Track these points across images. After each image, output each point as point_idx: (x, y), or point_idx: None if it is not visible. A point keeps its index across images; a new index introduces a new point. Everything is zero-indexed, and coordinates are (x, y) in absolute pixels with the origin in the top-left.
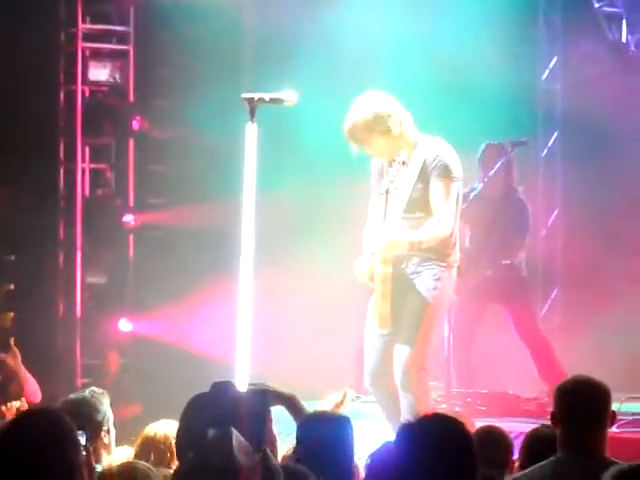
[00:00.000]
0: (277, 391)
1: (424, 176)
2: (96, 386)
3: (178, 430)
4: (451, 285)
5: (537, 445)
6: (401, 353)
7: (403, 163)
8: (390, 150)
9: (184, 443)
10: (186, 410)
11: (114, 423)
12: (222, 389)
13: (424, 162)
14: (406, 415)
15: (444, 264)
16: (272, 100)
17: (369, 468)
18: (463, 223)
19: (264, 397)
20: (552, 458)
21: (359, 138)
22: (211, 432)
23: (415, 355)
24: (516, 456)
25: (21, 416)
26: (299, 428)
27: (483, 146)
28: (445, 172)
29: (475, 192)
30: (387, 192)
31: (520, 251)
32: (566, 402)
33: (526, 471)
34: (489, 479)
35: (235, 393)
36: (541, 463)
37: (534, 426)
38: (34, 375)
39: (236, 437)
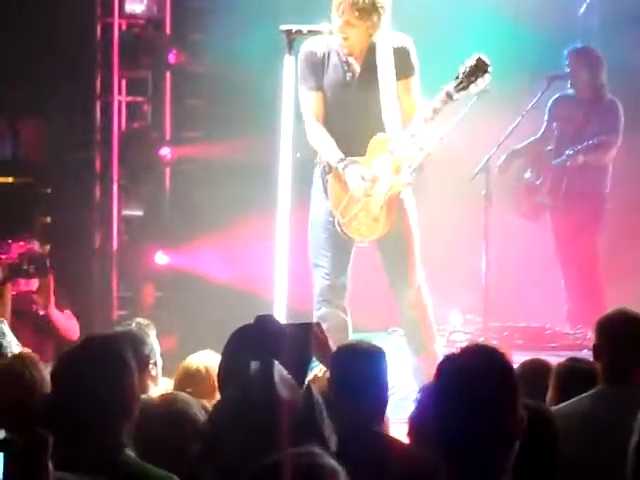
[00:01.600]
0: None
1: (398, 69)
2: (132, 319)
3: (221, 362)
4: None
5: (568, 381)
6: (403, 264)
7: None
8: (363, 40)
9: (227, 375)
10: (229, 342)
11: None
12: (266, 322)
13: (394, 52)
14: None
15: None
16: (310, 32)
17: (417, 402)
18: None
19: (309, 330)
20: (592, 391)
21: (368, 20)
22: (253, 365)
23: (413, 280)
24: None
25: (86, 343)
26: (333, 359)
27: (567, 52)
28: (414, 67)
29: (566, 95)
30: (344, 99)
31: (612, 148)
32: (610, 336)
33: (565, 404)
34: (530, 409)
35: (279, 326)
36: (581, 396)
37: (562, 360)
38: (71, 308)
39: (278, 370)
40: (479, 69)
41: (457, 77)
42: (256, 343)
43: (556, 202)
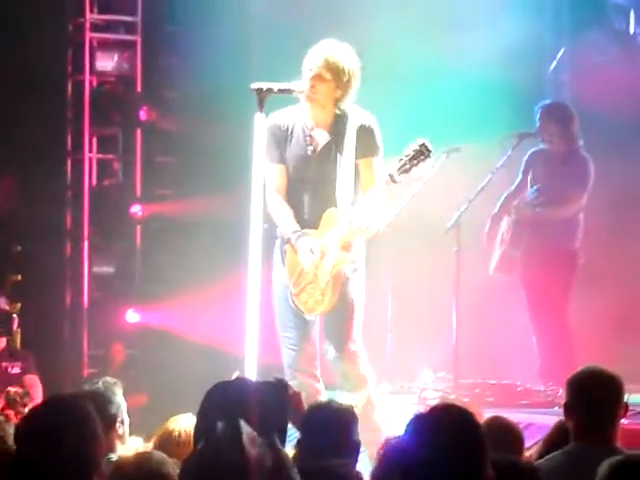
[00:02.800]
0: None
1: (357, 147)
2: (102, 377)
3: (196, 422)
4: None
5: (560, 437)
6: (333, 344)
7: (328, 143)
8: (329, 106)
9: (201, 435)
10: (204, 401)
11: None
12: (241, 382)
13: (357, 132)
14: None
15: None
16: (281, 90)
17: (380, 459)
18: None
19: (285, 389)
20: (565, 448)
21: (338, 80)
22: (220, 424)
23: (352, 337)
24: (526, 446)
25: (47, 403)
26: (303, 418)
27: (538, 108)
28: (380, 149)
29: (540, 150)
30: (306, 173)
31: (576, 203)
32: (581, 393)
33: (540, 461)
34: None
35: (252, 385)
36: (554, 453)
37: (543, 417)
38: (41, 365)
39: (246, 430)
40: (422, 154)
41: (400, 160)
42: (232, 404)
43: (526, 256)
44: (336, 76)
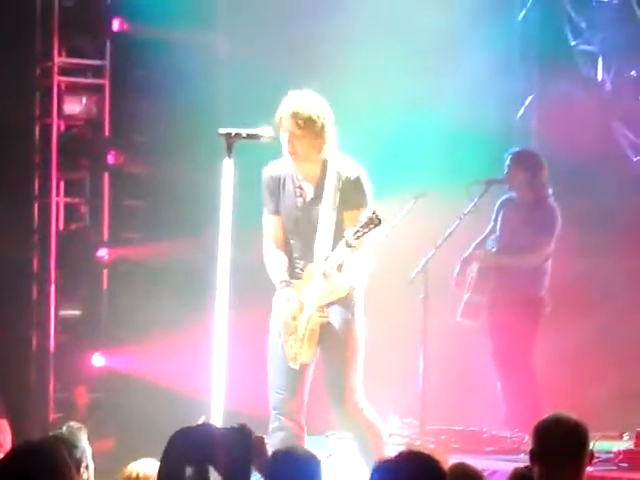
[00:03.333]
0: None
1: (343, 199)
2: (68, 420)
3: (160, 467)
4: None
5: None
6: (334, 395)
7: (316, 195)
8: (312, 157)
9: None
10: (167, 447)
11: None
12: (205, 428)
13: (342, 183)
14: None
15: (356, 290)
16: (249, 136)
17: None
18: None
19: (248, 435)
20: None
21: (311, 131)
22: (189, 470)
23: (348, 392)
24: None
25: (18, 449)
26: (268, 463)
27: (507, 155)
28: (366, 201)
29: (509, 198)
30: (297, 224)
31: (540, 252)
32: (546, 440)
33: None
34: None
35: (218, 432)
36: None
37: (508, 464)
38: (7, 409)
39: (213, 477)
40: (373, 222)
41: (356, 229)
42: (195, 449)
43: (491, 302)
44: (309, 129)
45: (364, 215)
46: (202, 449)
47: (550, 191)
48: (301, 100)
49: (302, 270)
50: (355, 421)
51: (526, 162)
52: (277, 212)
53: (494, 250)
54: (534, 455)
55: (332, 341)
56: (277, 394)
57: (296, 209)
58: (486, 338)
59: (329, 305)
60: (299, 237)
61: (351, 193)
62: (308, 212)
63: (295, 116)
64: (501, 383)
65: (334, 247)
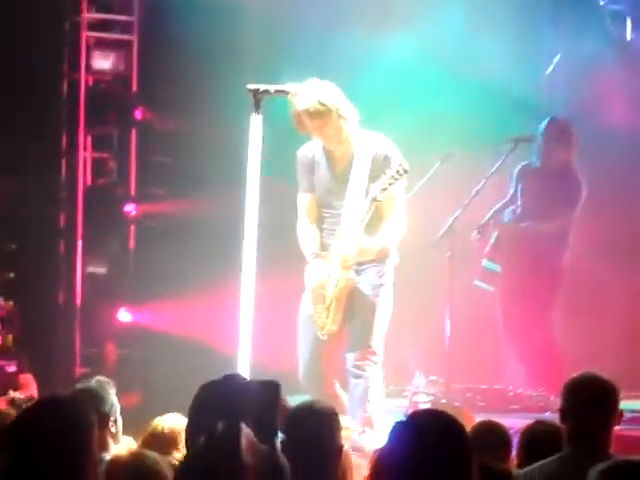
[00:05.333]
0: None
1: (375, 174)
2: (94, 376)
3: (188, 421)
4: (392, 275)
5: (534, 443)
6: (356, 355)
7: (346, 168)
8: (338, 138)
9: (194, 433)
10: (195, 400)
11: None
12: (231, 379)
13: (373, 159)
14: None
15: (386, 260)
16: (277, 92)
17: (374, 463)
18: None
19: (276, 389)
20: (558, 455)
21: (326, 119)
22: (219, 427)
23: (368, 355)
24: (514, 452)
25: (41, 403)
26: (287, 419)
27: (545, 122)
28: (397, 173)
29: (532, 164)
30: (332, 200)
31: (562, 220)
32: (576, 399)
33: (533, 466)
34: (486, 469)
35: (245, 384)
36: (548, 459)
37: (529, 421)
38: (33, 364)
39: (245, 434)
40: (399, 173)
41: (382, 181)
42: (222, 402)
43: (509, 271)
44: (322, 119)
45: (392, 169)
46: (232, 402)
47: (576, 166)
48: (304, 96)
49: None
50: (366, 386)
51: (562, 132)
52: (311, 190)
53: (513, 218)
54: (563, 413)
55: (359, 305)
56: (304, 365)
57: (329, 184)
58: (499, 303)
59: (358, 272)
60: (332, 212)
61: (381, 169)
62: (340, 187)
63: (305, 113)
64: (515, 349)
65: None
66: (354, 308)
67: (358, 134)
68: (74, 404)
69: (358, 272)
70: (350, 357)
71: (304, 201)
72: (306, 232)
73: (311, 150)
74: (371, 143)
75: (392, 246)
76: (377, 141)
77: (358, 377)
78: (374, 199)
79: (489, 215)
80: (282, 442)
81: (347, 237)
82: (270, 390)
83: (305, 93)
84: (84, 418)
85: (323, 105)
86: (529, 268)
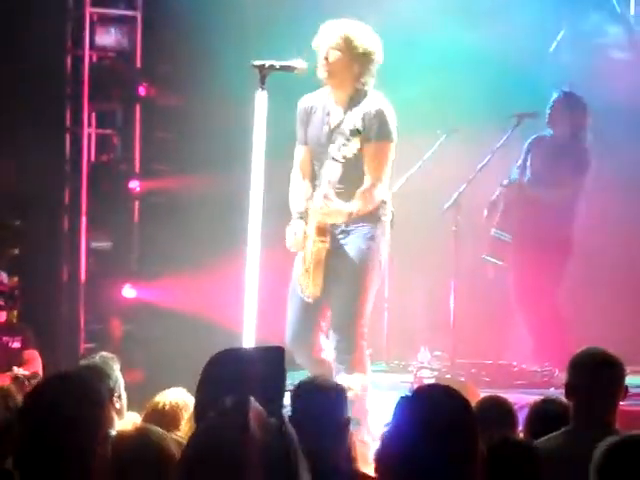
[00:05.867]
0: None
1: (363, 133)
2: (99, 352)
3: (195, 398)
4: (385, 241)
5: (541, 419)
6: (339, 320)
7: (340, 124)
8: (345, 81)
9: (202, 411)
10: (202, 377)
11: None
12: (236, 352)
13: (363, 118)
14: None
15: (376, 220)
16: (282, 67)
17: (382, 440)
18: (526, 164)
19: (280, 353)
20: (564, 429)
21: (351, 53)
22: (227, 402)
23: (354, 323)
24: (520, 427)
25: (51, 379)
26: (292, 393)
27: (555, 93)
28: (386, 134)
29: (544, 135)
30: (322, 153)
31: (569, 188)
32: (581, 374)
33: (539, 441)
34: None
35: (250, 353)
36: (554, 434)
37: (537, 398)
38: (38, 339)
39: (253, 408)
40: (353, 133)
41: (339, 141)
42: (229, 375)
43: (518, 240)
44: (349, 49)
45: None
46: (239, 374)
47: (589, 138)
48: (348, 24)
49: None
50: (352, 357)
51: (574, 104)
52: (305, 141)
53: (522, 182)
54: (569, 388)
55: (342, 269)
56: (290, 328)
57: (321, 136)
58: (509, 274)
59: (345, 232)
60: (319, 166)
61: (372, 126)
62: (330, 141)
63: (341, 36)
64: (525, 320)
65: (349, 177)
66: (339, 272)
67: (368, 94)
68: (85, 379)
69: (345, 233)
70: (336, 326)
71: (298, 153)
72: (295, 188)
73: (311, 101)
74: (368, 99)
75: (365, 206)
76: (373, 98)
77: (342, 358)
78: (334, 159)
79: (498, 191)
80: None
81: (318, 198)
82: (275, 357)
83: (358, 26)
84: (96, 393)
85: (362, 43)
86: (539, 237)
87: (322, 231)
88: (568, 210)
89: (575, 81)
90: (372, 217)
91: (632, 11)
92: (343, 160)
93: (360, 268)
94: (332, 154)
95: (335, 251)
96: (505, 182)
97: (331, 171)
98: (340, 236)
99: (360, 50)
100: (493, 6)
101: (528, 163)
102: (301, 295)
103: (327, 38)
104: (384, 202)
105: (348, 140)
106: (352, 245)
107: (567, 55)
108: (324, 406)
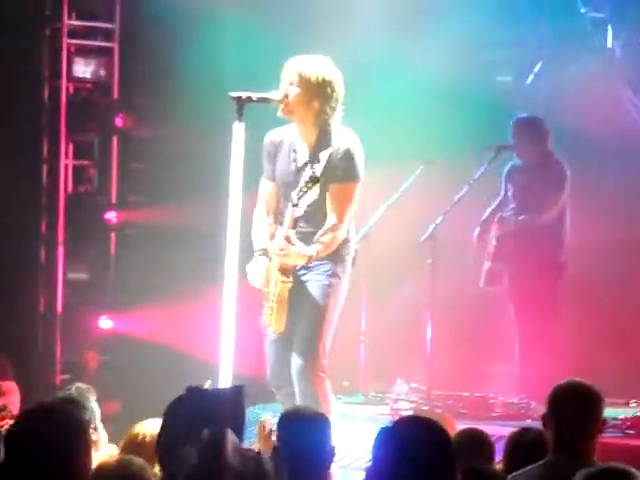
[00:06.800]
0: None
1: (328, 171)
2: (74, 383)
3: (158, 439)
4: (346, 279)
5: (520, 449)
6: (298, 358)
7: (309, 162)
8: (307, 120)
9: (166, 446)
10: (166, 413)
11: None
12: (199, 390)
13: (329, 158)
14: None
15: (338, 259)
16: (260, 99)
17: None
18: (507, 194)
19: (241, 392)
20: (543, 461)
21: (308, 91)
22: (204, 435)
23: (313, 358)
24: (497, 459)
25: (31, 411)
26: (278, 424)
27: (512, 122)
28: (352, 175)
29: (511, 165)
30: (289, 191)
31: (554, 207)
32: (560, 406)
33: (518, 472)
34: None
35: (214, 391)
36: (532, 466)
37: (514, 429)
38: (15, 370)
39: (231, 440)
40: (312, 180)
41: (299, 187)
42: (194, 412)
43: (512, 268)
44: (305, 83)
45: (307, 175)
46: (205, 413)
47: (554, 155)
48: (307, 60)
49: None
50: (314, 391)
51: (531, 128)
52: (273, 177)
53: (509, 217)
54: (546, 419)
55: (304, 305)
56: (269, 367)
57: (288, 174)
58: (498, 302)
59: (307, 269)
60: (285, 205)
61: (339, 166)
62: (297, 179)
63: (298, 72)
64: (520, 348)
65: (313, 216)
66: (300, 306)
67: (335, 130)
68: (64, 409)
69: (307, 270)
70: (296, 362)
71: (264, 189)
72: (259, 224)
73: (278, 136)
74: (335, 137)
75: (326, 248)
76: (341, 136)
77: (306, 396)
78: (293, 205)
79: (486, 215)
80: (275, 448)
81: (280, 239)
82: (236, 393)
83: (315, 60)
84: (76, 423)
85: (319, 79)
86: (531, 263)
87: (285, 271)
88: (556, 234)
89: (553, 112)
90: (334, 255)
91: (609, 43)
92: (302, 206)
93: (321, 301)
94: (292, 198)
95: (296, 287)
96: (483, 217)
97: (293, 213)
98: (301, 272)
99: (314, 82)
100: (472, 38)
101: (510, 193)
102: (269, 333)
103: (286, 75)
104: (347, 240)
105: (308, 187)
106: (313, 281)
107: (544, 87)
108: (309, 436)
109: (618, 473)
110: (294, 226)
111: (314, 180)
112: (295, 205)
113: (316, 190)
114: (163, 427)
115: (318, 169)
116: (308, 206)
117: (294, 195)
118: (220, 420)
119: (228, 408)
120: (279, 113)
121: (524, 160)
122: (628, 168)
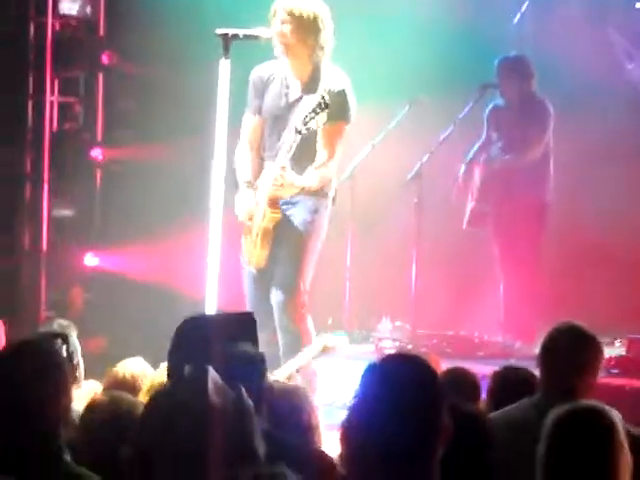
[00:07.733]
0: None
1: (321, 110)
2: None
3: (167, 363)
4: (327, 215)
5: (503, 389)
6: (279, 293)
7: (300, 97)
8: (302, 55)
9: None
10: (173, 341)
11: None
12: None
13: (325, 94)
14: (288, 353)
15: (321, 195)
16: (246, 36)
17: (348, 409)
18: (490, 134)
19: (251, 318)
20: (531, 399)
21: (303, 27)
22: (188, 368)
23: (293, 293)
24: (483, 397)
25: (14, 346)
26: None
27: (497, 62)
28: (346, 115)
29: (498, 104)
30: (278, 124)
31: (538, 145)
32: (551, 347)
33: (501, 411)
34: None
35: (223, 317)
36: (515, 404)
37: (498, 368)
38: None
39: (212, 377)
40: (320, 106)
41: (305, 114)
42: (201, 338)
43: (497, 210)
44: (297, 20)
45: (315, 101)
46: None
47: (538, 95)
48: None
49: None
50: (295, 327)
51: (517, 68)
52: (259, 112)
53: (494, 157)
54: (538, 359)
55: (286, 239)
56: (247, 302)
57: (278, 109)
58: (492, 244)
59: (290, 204)
60: (275, 138)
61: (333, 105)
62: (288, 114)
63: (287, 10)
64: (504, 288)
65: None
66: (283, 240)
67: (326, 67)
68: (40, 347)
69: (290, 205)
70: (277, 297)
71: (249, 123)
72: (244, 157)
73: (267, 71)
74: (328, 76)
75: (318, 183)
76: (334, 75)
77: (286, 332)
78: (297, 131)
79: (471, 153)
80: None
81: (274, 169)
82: (246, 320)
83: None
84: (55, 356)
85: (311, 15)
86: (516, 205)
87: (274, 203)
88: (540, 175)
89: (539, 51)
90: (318, 191)
91: None
92: (306, 132)
93: (303, 237)
94: (295, 125)
95: (280, 222)
96: (468, 157)
97: (290, 142)
98: (285, 206)
99: (306, 18)
100: None
101: (494, 133)
102: (248, 268)
103: (276, 15)
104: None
105: (316, 113)
106: (297, 216)
107: (530, 26)
108: (287, 411)
109: (589, 411)
110: (292, 154)
111: (323, 106)
112: (299, 132)
113: (323, 117)
114: (171, 352)
115: (313, 103)
116: (302, 139)
117: (298, 121)
118: (236, 337)
119: (242, 328)
120: (276, 52)
121: (508, 99)
122: (612, 107)
